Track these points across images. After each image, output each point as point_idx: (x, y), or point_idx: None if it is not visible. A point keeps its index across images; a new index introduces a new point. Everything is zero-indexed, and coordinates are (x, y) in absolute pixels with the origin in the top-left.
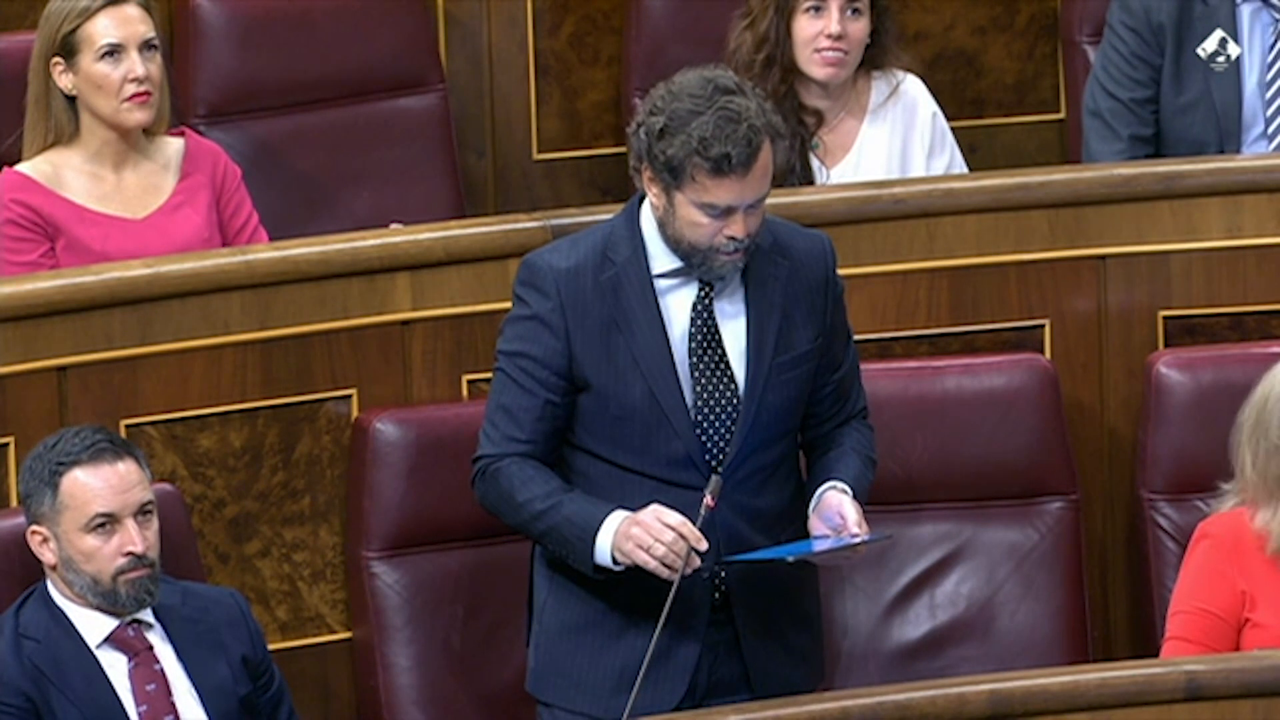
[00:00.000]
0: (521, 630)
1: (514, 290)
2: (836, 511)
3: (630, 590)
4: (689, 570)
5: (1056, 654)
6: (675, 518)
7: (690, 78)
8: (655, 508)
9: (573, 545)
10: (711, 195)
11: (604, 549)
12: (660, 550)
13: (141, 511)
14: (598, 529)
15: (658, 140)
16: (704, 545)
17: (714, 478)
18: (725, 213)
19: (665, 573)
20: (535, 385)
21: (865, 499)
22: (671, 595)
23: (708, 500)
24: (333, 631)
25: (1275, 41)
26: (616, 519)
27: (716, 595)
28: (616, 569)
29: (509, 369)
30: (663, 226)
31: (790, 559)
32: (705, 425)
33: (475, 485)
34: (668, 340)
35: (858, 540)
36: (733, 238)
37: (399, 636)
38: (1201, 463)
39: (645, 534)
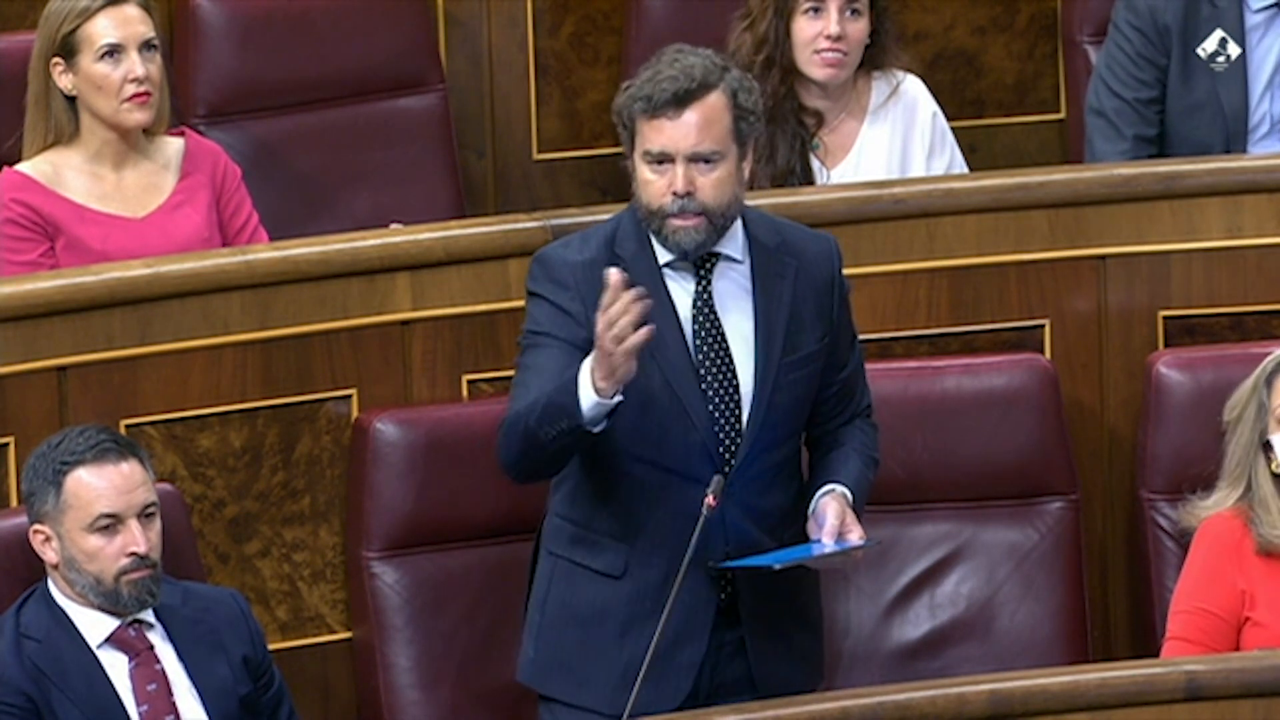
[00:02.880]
0: (521, 630)
1: (528, 288)
2: (823, 516)
3: (635, 586)
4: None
5: (1056, 654)
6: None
7: (671, 45)
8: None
9: (565, 409)
10: (648, 140)
11: (588, 395)
12: (622, 337)
13: (145, 512)
14: (576, 380)
15: (620, 97)
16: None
17: (716, 477)
18: (664, 161)
19: (642, 334)
20: (563, 344)
21: (866, 499)
22: (674, 596)
23: (709, 500)
24: (333, 631)
25: None
26: (585, 365)
27: (723, 596)
28: (611, 403)
29: (533, 343)
30: (638, 205)
31: (777, 566)
32: (718, 415)
33: (499, 453)
34: (682, 333)
35: (852, 545)
36: (675, 194)
37: (399, 636)
38: (1201, 463)
39: (602, 347)
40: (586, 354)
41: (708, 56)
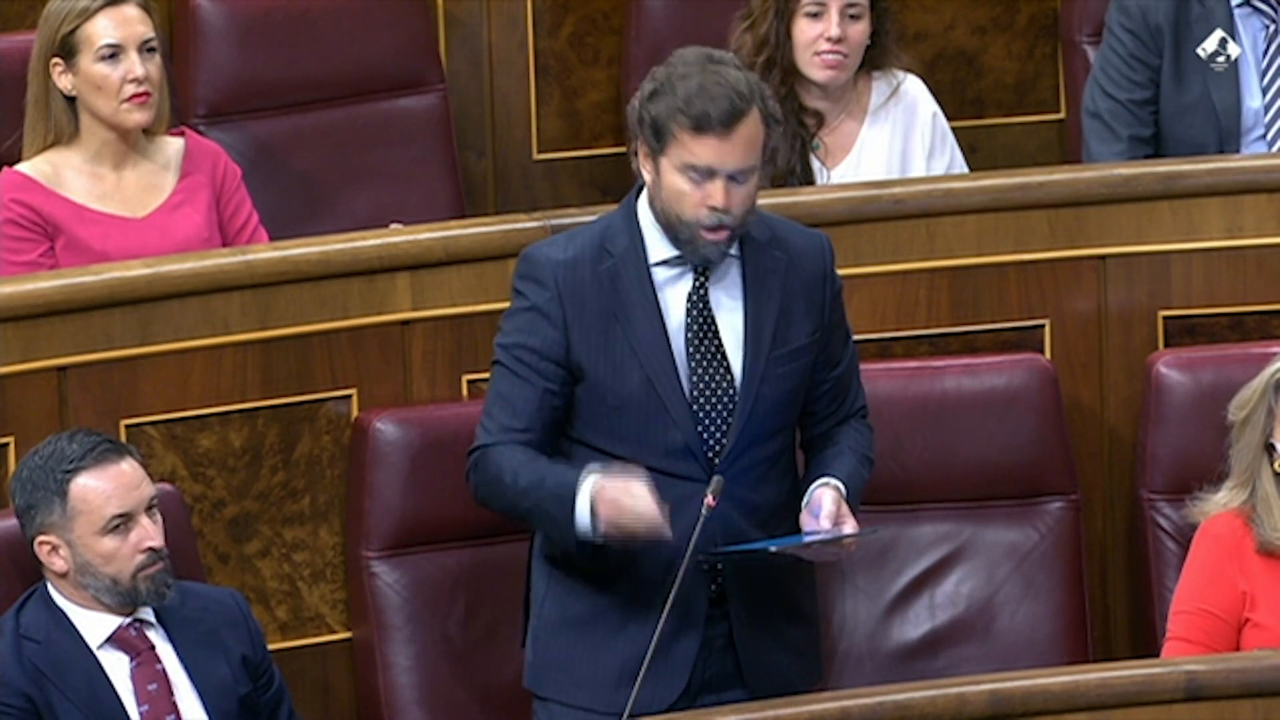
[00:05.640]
0: (521, 629)
1: (512, 284)
2: (819, 504)
3: (630, 585)
4: (663, 533)
5: (1056, 654)
6: (635, 490)
7: (689, 50)
8: (621, 484)
9: (556, 521)
10: (692, 154)
11: (584, 519)
12: (632, 529)
13: (149, 506)
14: (574, 499)
15: (647, 103)
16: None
17: (716, 478)
18: (707, 177)
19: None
20: (533, 375)
21: (860, 497)
22: (673, 594)
23: (709, 500)
24: (333, 631)
25: (1268, 46)
26: (588, 487)
27: (713, 587)
28: (599, 541)
29: (507, 360)
30: (653, 204)
31: (774, 549)
32: (702, 416)
33: (469, 477)
34: (665, 330)
35: (844, 534)
36: (714, 208)
37: (399, 636)
38: (1201, 463)
39: (620, 514)
40: (560, 364)
41: (738, 66)
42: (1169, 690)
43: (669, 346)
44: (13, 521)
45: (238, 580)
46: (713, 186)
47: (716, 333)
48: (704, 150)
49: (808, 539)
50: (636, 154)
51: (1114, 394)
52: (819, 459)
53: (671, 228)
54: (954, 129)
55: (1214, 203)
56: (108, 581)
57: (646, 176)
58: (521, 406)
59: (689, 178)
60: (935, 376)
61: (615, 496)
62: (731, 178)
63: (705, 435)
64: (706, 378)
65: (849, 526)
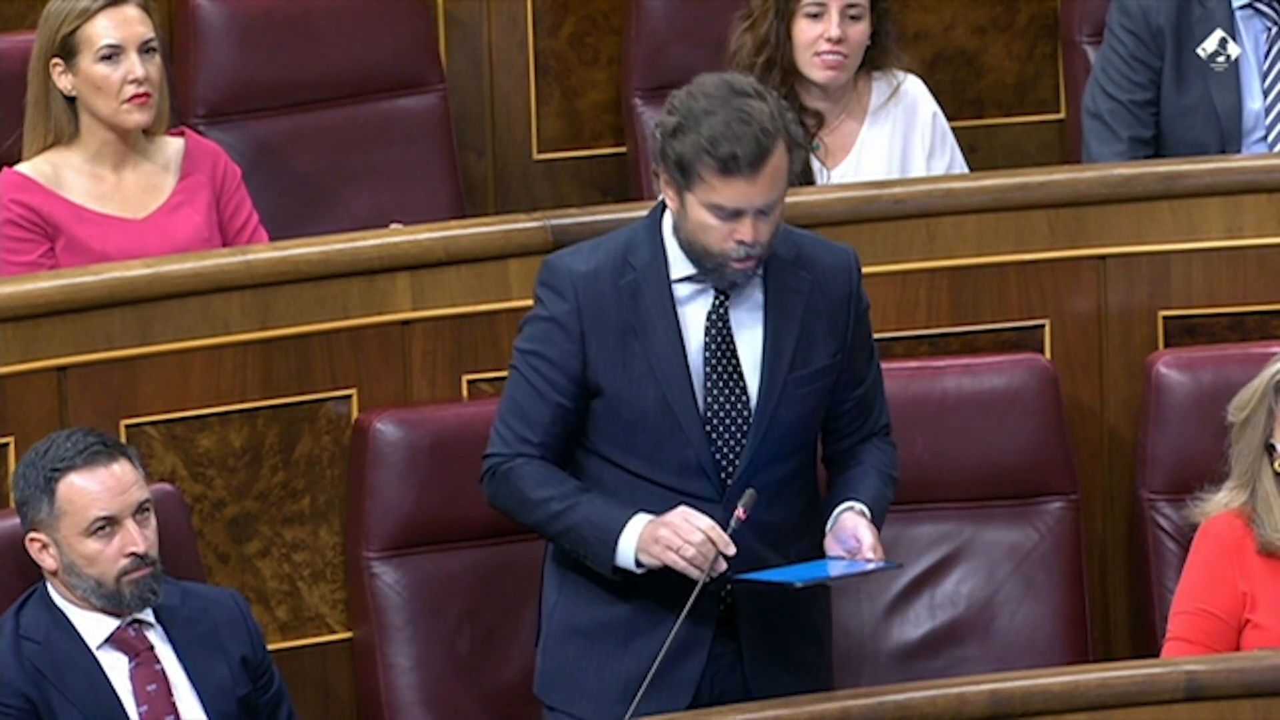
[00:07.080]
0: (521, 630)
1: (534, 290)
2: (852, 534)
3: (640, 598)
4: (714, 573)
5: (1056, 654)
6: (704, 520)
7: (710, 79)
8: (684, 510)
9: (592, 546)
10: (719, 196)
11: (626, 551)
12: (690, 552)
13: (140, 510)
14: (620, 531)
15: (670, 138)
16: (731, 549)
17: (748, 491)
18: (734, 215)
19: (694, 573)
20: (548, 388)
21: (883, 518)
22: (684, 612)
23: (739, 513)
24: (333, 631)
25: (1270, 47)
26: (640, 521)
27: (722, 607)
28: (637, 571)
29: (523, 368)
30: (678, 231)
31: (799, 584)
32: (715, 436)
33: (485, 484)
34: (684, 347)
35: (871, 567)
36: (742, 242)
37: (399, 636)
38: (1201, 463)
39: (674, 535)
40: (575, 379)
41: (759, 93)
42: (1169, 690)
43: (686, 365)
44: (13, 521)
45: (238, 580)
46: (740, 224)
47: (735, 353)
48: (731, 192)
49: (833, 571)
50: (658, 176)
51: (1114, 394)
52: (843, 479)
53: (696, 256)
54: (954, 129)
55: (1214, 203)
56: (92, 583)
57: (671, 204)
58: (535, 419)
59: (715, 215)
60: (935, 376)
61: (675, 522)
62: (760, 212)
63: (719, 455)
64: (721, 398)
65: (876, 558)
